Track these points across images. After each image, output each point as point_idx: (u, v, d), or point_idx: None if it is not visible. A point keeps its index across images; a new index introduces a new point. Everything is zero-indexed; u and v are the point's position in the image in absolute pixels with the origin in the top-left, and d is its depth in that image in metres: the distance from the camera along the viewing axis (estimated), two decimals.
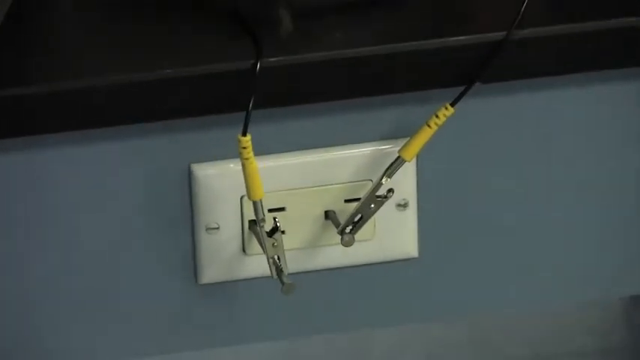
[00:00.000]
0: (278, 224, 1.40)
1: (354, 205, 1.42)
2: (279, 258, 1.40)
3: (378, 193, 1.41)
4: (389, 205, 1.42)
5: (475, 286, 1.56)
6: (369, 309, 1.49)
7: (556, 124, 1.51)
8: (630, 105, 1.56)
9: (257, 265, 1.42)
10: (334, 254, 1.44)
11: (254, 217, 1.38)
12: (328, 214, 1.43)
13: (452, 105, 1.37)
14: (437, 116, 1.37)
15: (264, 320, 1.46)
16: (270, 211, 1.39)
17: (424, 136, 1.38)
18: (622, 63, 1.47)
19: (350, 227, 1.41)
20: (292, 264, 1.42)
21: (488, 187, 1.51)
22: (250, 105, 1.33)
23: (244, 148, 1.34)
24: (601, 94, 1.50)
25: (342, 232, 1.42)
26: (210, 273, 1.44)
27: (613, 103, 1.52)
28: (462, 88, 1.38)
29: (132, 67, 1.37)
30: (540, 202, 1.55)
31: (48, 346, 1.50)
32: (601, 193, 1.58)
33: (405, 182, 1.43)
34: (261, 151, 1.37)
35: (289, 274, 1.40)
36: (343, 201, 1.43)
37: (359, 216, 1.41)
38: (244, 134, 1.33)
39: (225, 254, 1.43)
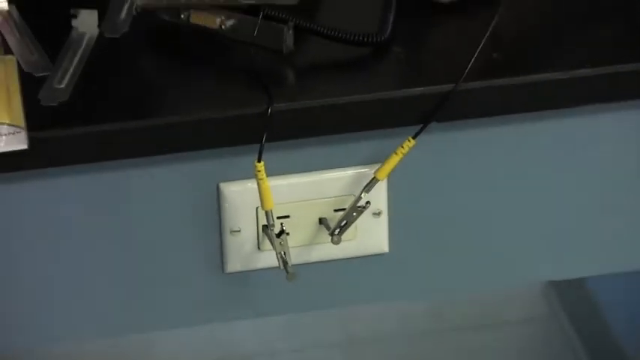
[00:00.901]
0: (284, 228, 1.45)
1: (341, 213, 1.47)
2: (284, 253, 1.45)
3: (358, 205, 1.45)
4: (367, 214, 1.46)
5: (432, 274, 1.58)
6: (352, 291, 1.55)
7: (496, 152, 1.52)
8: (557, 141, 1.56)
9: (268, 258, 1.46)
10: (326, 250, 1.48)
11: (266, 223, 1.43)
12: (322, 220, 1.48)
13: (414, 138, 1.41)
14: (402, 147, 1.41)
15: (273, 300, 1.52)
16: (278, 217, 1.44)
17: (393, 161, 1.42)
18: (551, 106, 1.49)
19: (338, 230, 1.46)
20: (295, 258, 1.45)
21: (442, 198, 1.52)
22: (263, 139, 1.37)
23: (259, 171, 1.39)
24: (529, 131, 1.51)
25: (332, 234, 1.46)
26: (233, 265, 1.49)
27: (540, 139, 1.53)
28: (420, 126, 1.40)
29: (183, 110, 1.41)
30: (483, 206, 1.57)
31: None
32: (543, 200, 1.59)
33: (379, 196, 1.47)
34: (271, 172, 1.40)
35: (292, 265, 1.43)
36: (333, 210, 1.48)
37: (344, 222, 1.46)
38: (259, 161, 1.38)
39: (245, 250, 1.48)
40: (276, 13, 1.48)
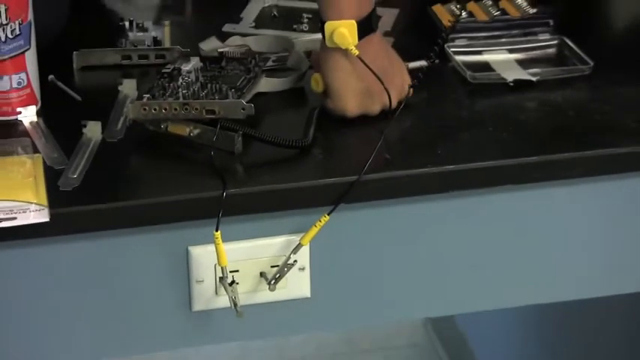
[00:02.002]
0: (234, 279, 1.45)
1: (276, 269, 1.48)
2: (235, 297, 1.45)
3: (288, 262, 1.47)
4: (294, 269, 1.48)
5: (342, 311, 1.58)
6: (284, 324, 1.55)
7: (387, 224, 1.54)
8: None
9: (224, 301, 1.46)
10: (265, 295, 1.49)
11: (222, 275, 1.45)
12: (262, 274, 1.49)
13: (328, 214, 1.43)
14: (320, 221, 1.43)
15: (227, 331, 1.53)
16: (230, 271, 1.45)
17: (313, 231, 1.44)
18: (426, 192, 1.51)
19: (273, 281, 1.47)
20: (242, 300, 1.45)
21: (348, 257, 1.53)
22: (219, 215, 1.40)
23: (216, 238, 1.41)
24: (410, 209, 1.52)
25: (269, 284, 1.47)
26: (198, 305, 1.49)
27: (418, 214, 1.55)
28: (332, 206, 1.43)
29: (162, 193, 1.45)
30: (377, 262, 1.57)
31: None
32: (423, 260, 1.60)
33: (303, 256, 1.49)
34: (226, 239, 1.41)
35: (241, 305, 1.44)
36: (270, 266, 1.48)
37: (278, 275, 1.47)
38: (217, 230, 1.40)
39: (206, 295, 1.49)
40: (230, 125, 1.50)
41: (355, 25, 1.51)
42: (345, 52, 1.53)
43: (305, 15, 1.75)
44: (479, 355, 2.87)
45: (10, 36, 1.52)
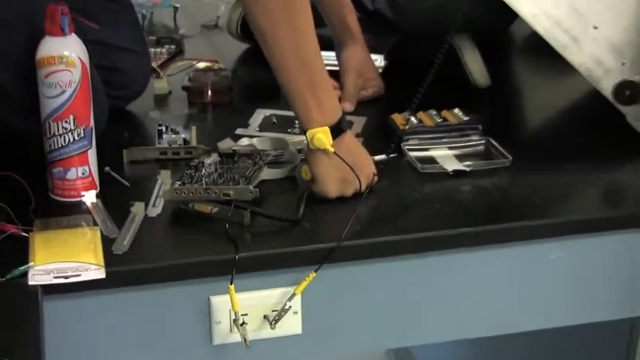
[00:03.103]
0: (244, 320, 1.44)
1: (276, 312, 1.46)
2: (244, 334, 1.43)
3: (285, 308, 1.45)
4: (290, 313, 1.47)
5: (324, 343, 1.57)
6: (280, 353, 1.52)
7: (362, 279, 1.53)
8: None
9: (236, 337, 1.45)
10: (267, 332, 1.47)
11: (235, 318, 1.43)
12: (265, 316, 1.47)
13: (315, 272, 1.44)
14: (309, 276, 1.44)
15: (239, 358, 1.50)
16: (242, 315, 1.43)
17: (303, 284, 1.44)
18: (393, 254, 1.51)
19: (274, 322, 1.46)
20: (251, 336, 1.44)
21: (331, 303, 1.53)
22: (233, 272, 1.40)
23: (230, 290, 1.41)
24: (387, 267, 1.52)
25: (270, 324, 1.46)
26: (217, 340, 1.48)
27: (386, 273, 1.54)
28: (319, 265, 1.44)
29: (191, 256, 1.45)
30: (351, 306, 1.55)
31: None
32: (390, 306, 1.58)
33: (296, 303, 1.47)
34: (238, 289, 1.41)
35: (249, 340, 1.43)
36: (271, 311, 1.47)
37: (277, 317, 1.46)
38: (231, 284, 1.40)
39: (223, 333, 1.47)
40: (241, 204, 1.49)
41: (328, 130, 1.51)
42: (325, 151, 1.53)
43: (296, 122, 1.74)
44: None
45: (76, 138, 1.53)
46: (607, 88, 1.73)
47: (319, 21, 1.86)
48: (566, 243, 1.57)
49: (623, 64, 1.71)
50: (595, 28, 1.70)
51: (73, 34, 1.50)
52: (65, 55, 1.48)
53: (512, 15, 1.73)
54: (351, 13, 1.92)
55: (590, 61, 1.72)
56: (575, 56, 1.72)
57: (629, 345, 1.67)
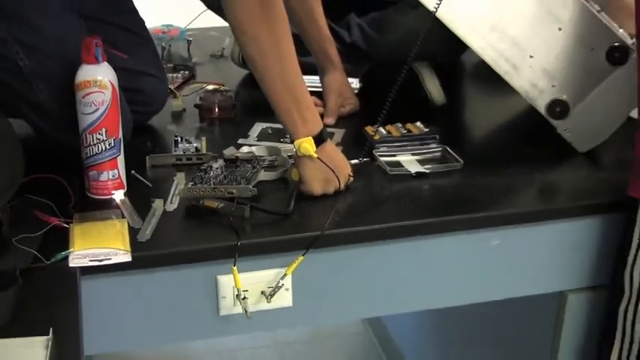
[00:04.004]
0: (246, 295, 1.43)
1: (271, 288, 1.46)
2: (245, 307, 1.43)
3: (278, 285, 1.45)
4: (282, 289, 1.46)
5: (311, 314, 1.56)
6: (275, 322, 1.52)
7: (343, 262, 1.52)
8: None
9: (239, 309, 1.44)
10: (264, 305, 1.46)
11: (237, 294, 1.43)
12: (263, 292, 1.46)
13: (303, 255, 1.43)
14: (298, 259, 1.43)
15: (240, 326, 1.49)
16: (243, 290, 1.42)
17: (294, 265, 1.43)
18: (370, 239, 1.50)
19: (270, 296, 1.45)
20: (251, 308, 1.44)
21: (316, 280, 1.51)
22: (235, 256, 1.40)
23: (234, 270, 1.40)
24: (363, 252, 1.51)
25: (267, 298, 1.45)
26: (223, 312, 1.47)
27: (367, 257, 1.53)
28: (305, 250, 1.44)
29: (201, 243, 1.45)
30: (336, 282, 1.54)
31: None
32: (370, 283, 1.57)
33: (288, 281, 1.46)
34: (240, 270, 1.41)
35: (250, 312, 1.43)
36: (267, 287, 1.46)
37: (272, 292, 1.45)
38: (234, 265, 1.40)
39: (228, 305, 1.46)
40: (242, 201, 1.48)
41: (312, 140, 1.51)
42: (310, 157, 1.53)
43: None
44: (395, 339, 2.84)
45: (108, 147, 1.53)
46: (541, 105, 1.73)
47: (305, 51, 1.89)
48: (506, 231, 1.57)
49: (554, 86, 1.72)
50: (531, 57, 1.70)
51: (105, 62, 1.50)
52: (99, 80, 1.48)
53: (464, 46, 1.72)
54: (331, 45, 1.91)
55: (527, 84, 1.71)
56: (515, 80, 1.71)
57: (558, 312, 1.67)
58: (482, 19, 1.66)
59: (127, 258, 1.37)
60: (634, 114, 1.71)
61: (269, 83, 1.49)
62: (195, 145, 1.72)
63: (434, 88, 1.97)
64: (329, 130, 1.81)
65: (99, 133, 1.51)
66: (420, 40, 1.58)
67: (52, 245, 1.36)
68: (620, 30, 1.68)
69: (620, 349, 1.53)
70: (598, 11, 1.70)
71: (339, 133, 1.84)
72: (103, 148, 1.52)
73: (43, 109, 1.61)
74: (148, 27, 1.91)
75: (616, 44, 1.67)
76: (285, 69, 1.49)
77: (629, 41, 1.67)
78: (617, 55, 1.67)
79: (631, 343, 1.51)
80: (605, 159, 1.76)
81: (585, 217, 1.60)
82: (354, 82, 2.02)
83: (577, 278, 1.64)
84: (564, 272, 1.64)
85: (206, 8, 2.09)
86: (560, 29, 1.67)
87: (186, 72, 2.15)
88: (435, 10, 1.61)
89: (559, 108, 1.72)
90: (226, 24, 1.56)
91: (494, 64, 1.70)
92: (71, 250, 1.36)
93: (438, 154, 1.74)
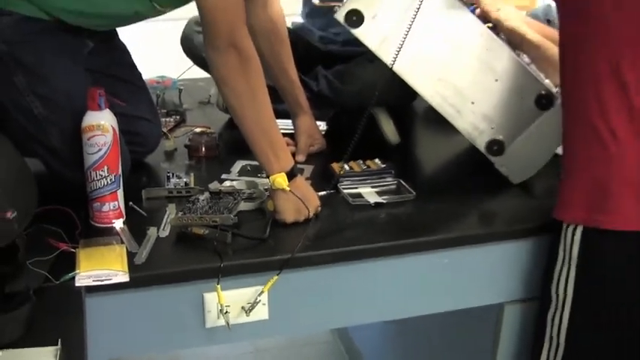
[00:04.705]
0: (227, 310, 1.43)
1: (250, 304, 1.44)
2: (227, 320, 1.43)
3: (256, 301, 1.44)
4: (260, 304, 1.45)
5: (284, 325, 1.54)
6: (254, 333, 1.50)
7: (311, 280, 1.50)
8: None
9: (222, 321, 1.43)
10: (244, 318, 1.45)
11: (220, 309, 1.42)
12: (243, 307, 1.45)
13: (277, 275, 1.43)
14: (273, 278, 1.43)
15: (224, 337, 1.47)
16: (226, 306, 1.42)
17: (269, 284, 1.43)
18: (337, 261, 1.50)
19: (249, 311, 1.44)
20: (232, 321, 1.44)
21: (290, 296, 1.49)
22: (219, 276, 1.39)
23: (217, 288, 1.40)
24: (329, 272, 1.50)
25: (246, 312, 1.44)
26: (209, 324, 1.45)
27: (335, 276, 1.52)
28: (279, 270, 1.43)
29: (189, 265, 1.44)
30: (309, 298, 1.53)
31: None
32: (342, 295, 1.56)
33: (264, 297, 1.45)
34: (223, 288, 1.40)
35: (231, 324, 1.43)
36: (247, 303, 1.44)
37: (251, 307, 1.44)
38: (218, 284, 1.39)
39: (212, 318, 1.45)
40: (225, 228, 1.47)
41: (285, 175, 1.52)
42: (283, 190, 1.53)
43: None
44: (359, 346, 2.80)
45: (109, 182, 1.53)
46: (481, 144, 1.73)
47: (280, 99, 1.90)
48: (453, 252, 1.57)
49: (492, 128, 1.72)
50: (472, 103, 1.71)
51: (107, 109, 1.51)
52: (102, 124, 1.50)
53: (415, 93, 1.72)
54: (301, 93, 1.92)
55: (469, 126, 1.72)
56: (459, 123, 1.72)
57: (497, 321, 1.67)
58: (431, 71, 1.66)
59: (126, 278, 1.37)
60: (560, 150, 1.72)
61: (247, 127, 1.50)
62: (184, 180, 1.71)
63: (389, 130, 1.97)
64: (300, 166, 1.80)
65: (101, 170, 1.51)
66: (378, 89, 1.61)
67: (61, 267, 1.35)
68: (547, 80, 1.71)
69: (549, 352, 1.53)
70: (528, 64, 1.75)
71: (308, 169, 1.83)
72: (105, 183, 1.52)
73: (54, 150, 1.62)
74: (144, 78, 1.92)
75: (543, 92, 1.69)
76: (261, 115, 1.50)
77: (554, 90, 1.71)
78: (544, 101, 1.69)
79: (557, 346, 1.51)
80: (535, 189, 1.75)
81: (519, 239, 1.60)
82: (322, 125, 2.03)
83: (513, 291, 1.64)
84: (502, 286, 1.64)
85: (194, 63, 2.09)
86: (496, 80, 1.68)
87: (178, 117, 2.14)
88: (391, 64, 1.63)
89: (496, 146, 1.72)
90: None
91: (440, 109, 1.70)
92: (77, 271, 1.36)
93: (394, 186, 1.73)
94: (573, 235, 1.45)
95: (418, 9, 1.58)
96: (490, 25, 1.74)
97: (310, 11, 2.24)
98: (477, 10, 1.76)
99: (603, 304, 1.46)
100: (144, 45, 2.27)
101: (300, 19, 2.30)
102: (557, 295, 1.50)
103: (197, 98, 2.37)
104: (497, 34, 1.72)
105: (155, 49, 2.54)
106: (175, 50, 2.13)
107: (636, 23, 1.32)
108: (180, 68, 2.23)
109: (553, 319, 1.51)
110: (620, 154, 1.38)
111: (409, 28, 1.58)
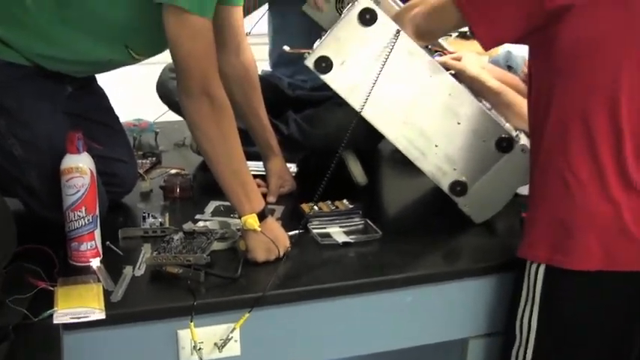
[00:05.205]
0: (201, 347, 1.43)
1: (222, 340, 1.45)
2: (201, 356, 1.42)
3: (228, 338, 1.44)
4: (232, 341, 1.45)
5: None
6: None
7: (281, 319, 1.50)
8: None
9: (196, 357, 1.43)
10: (217, 354, 1.45)
11: (194, 345, 1.42)
12: (215, 343, 1.45)
13: (249, 312, 1.42)
14: (244, 316, 1.42)
15: None
16: (199, 342, 1.41)
17: (241, 321, 1.43)
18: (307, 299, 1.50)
19: (221, 347, 1.44)
20: (205, 357, 1.44)
21: (261, 331, 1.48)
22: (192, 314, 1.40)
23: (191, 325, 1.40)
24: (298, 309, 1.51)
25: (219, 349, 1.44)
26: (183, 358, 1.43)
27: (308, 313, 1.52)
28: (250, 309, 1.43)
29: (162, 302, 1.45)
30: (279, 332, 1.53)
31: None
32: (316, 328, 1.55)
33: (236, 333, 1.44)
34: (197, 325, 1.41)
35: None
36: (219, 339, 1.44)
37: (223, 344, 1.44)
38: (191, 321, 1.40)
39: (187, 354, 1.45)
40: (198, 267, 1.49)
41: (256, 216, 1.54)
42: (254, 230, 1.54)
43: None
44: None
45: (87, 223, 1.56)
46: (445, 185, 1.75)
47: (251, 142, 1.93)
48: (418, 290, 1.58)
49: (455, 169, 1.74)
50: (436, 146, 1.73)
51: (85, 152, 1.54)
52: (80, 167, 1.52)
53: (382, 136, 1.74)
54: (272, 136, 1.94)
55: (434, 168, 1.74)
56: (424, 165, 1.74)
57: (462, 355, 1.65)
58: (396, 115, 1.68)
59: (102, 316, 1.38)
60: (520, 190, 1.76)
61: (219, 170, 1.52)
62: (159, 220, 1.71)
63: (357, 171, 1.99)
64: (270, 207, 1.81)
65: (79, 211, 1.52)
66: (348, 133, 1.64)
67: (40, 305, 1.36)
68: (507, 124, 1.74)
69: None
70: (489, 109, 1.78)
71: (279, 210, 1.84)
72: (83, 223, 1.54)
73: (33, 191, 1.65)
74: (122, 120, 1.96)
75: (503, 136, 1.71)
76: (233, 159, 1.53)
77: (514, 133, 1.74)
78: (505, 144, 1.72)
79: None
80: (497, 227, 1.78)
81: (483, 276, 1.62)
82: (292, 167, 2.03)
83: (478, 326, 1.65)
84: (466, 322, 1.65)
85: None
86: (459, 123, 1.70)
87: (154, 158, 2.15)
88: (360, 109, 1.67)
89: (459, 187, 1.74)
90: None
91: (406, 152, 1.72)
92: (55, 309, 1.36)
93: (361, 226, 1.74)
94: (537, 273, 1.46)
95: (387, 58, 1.62)
96: (453, 72, 1.78)
97: (277, 60, 2.27)
98: (441, 58, 1.81)
99: (566, 342, 1.46)
100: (121, 88, 2.31)
101: (267, 67, 2.33)
102: (522, 331, 1.50)
103: (173, 140, 2.38)
104: (460, 80, 1.74)
105: (132, 92, 2.57)
106: (152, 94, 2.17)
107: (601, 72, 1.36)
108: (157, 111, 2.26)
109: (517, 355, 1.52)
110: (583, 195, 1.39)
111: (378, 76, 1.62)
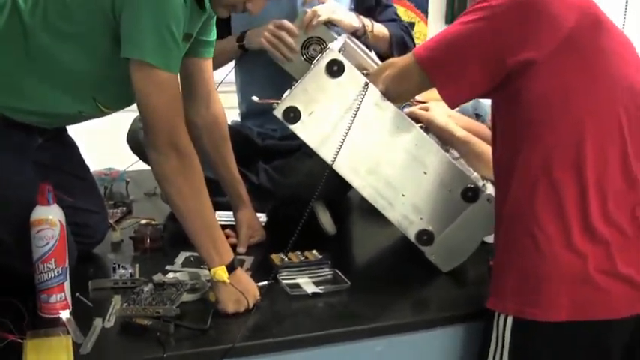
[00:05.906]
0: None
1: None
2: None
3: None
4: None
5: None
6: None
7: None
8: None
9: None
10: None
11: None
12: None
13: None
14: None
15: None
16: None
17: None
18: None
19: None
20: None
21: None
22: None
23: None
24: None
25: None
26: None
27: None
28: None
29: (132, 354, 1.41)
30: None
31: None
32: None
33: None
34: None
35: None
36: None
37: None
38: None
39: None
40: (168, 319, 1.47)
41: (225, 268, 1.54)
42: (224, 282, 1.54)
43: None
44: None
45: (56, 275, 1.55)
46: (411, 234, 1.76)
47: (221, 192, 1.94)
48: (387, 339, 1.58)
49: (422, 219, 1.75)
50: (403, 195, 1.74)
51: (55, 204, 1.54)
52: (50, 219, 1.52)
53: (350, 186, 1.75)
54: (241, 186, 1.94)
55: (400, 217, 1.75)
56: (391, 214, 1.75)
57: None
58: (362, 165, 1.71)
59: None
60: (486, 238, 1.78)
61: (188, 222, 1.53)
62: (130, 271, 1.71)
63: (326, 221, 2.00)
64: (240, 257, 1.82)
65: (49, 263, 1.52)
66: (318, 185, 1.65)
67: (8, 358, 1.35)
68: (474, 174, 1.78)
69: None
70: (455, 159, 1.81)
71: (248, 260, 1.84)
72: (53, 275, 1.54)
73: (3, 243, 1.64)
74: (92, 170, 1.96)
75: (469, 186, 1.73)
76: (202, 213, 1.53)
77: (480, 183, 1.77)
78: (470, 194, 1.74)
79: None
80: (464, 276, 1.79)
81: (451, 325, 1.62)
82: (262, 217, 2.03)
83: None
84: None
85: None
86: (425, 173, 1.72)
87: (124, 208, 2.16)
88: (332, 162, 1.68)
89: (426, 236, 1.75)
90: None
91: (373, 201, 1.74)
92: None
93: (330, 276, 1.75)
94: (505, 323, 1.46)
95: (358, 109, 1.66)
96: (422, 124, 1.80)
97: (246, 111, 2.29)
98: (409, 108, 1.84)
99: None
100: (92, 137, 2.30)
101: (237, 116, 2.34)
102: None
103: (143, 189, 2.39)
104: (428, 130, 1.79)
105: (103, 141, 2.56)
106: (123, 143, 2.18)
107: (565, 126, 1.38)
108: (128, 161, 2.26)
109: None
110: (550, 248, 1.40)
111: (349, 128, 1.64)
